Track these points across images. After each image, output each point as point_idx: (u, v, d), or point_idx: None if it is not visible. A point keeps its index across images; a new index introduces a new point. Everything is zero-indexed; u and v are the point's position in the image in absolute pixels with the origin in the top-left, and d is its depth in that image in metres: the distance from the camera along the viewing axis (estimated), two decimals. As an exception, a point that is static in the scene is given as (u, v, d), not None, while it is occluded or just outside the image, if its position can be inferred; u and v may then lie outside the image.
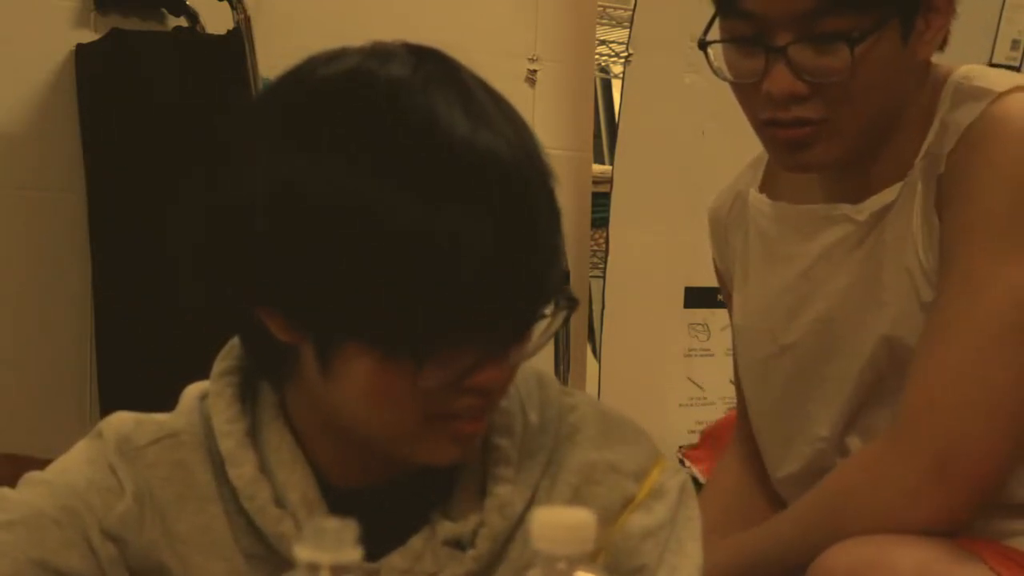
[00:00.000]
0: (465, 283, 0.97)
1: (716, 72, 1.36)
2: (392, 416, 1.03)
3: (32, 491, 1.09)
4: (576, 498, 1.10)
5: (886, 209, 1.37)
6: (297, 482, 1.07)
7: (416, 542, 1.07)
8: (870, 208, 1.38)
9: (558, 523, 0.74)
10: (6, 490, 1.10)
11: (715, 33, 1.37)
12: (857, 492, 1.29)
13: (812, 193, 1.44)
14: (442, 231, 0.96)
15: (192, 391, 1.14)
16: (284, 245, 0.99)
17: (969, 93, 1.35)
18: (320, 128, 1.00)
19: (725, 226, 1.59)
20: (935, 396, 1.27)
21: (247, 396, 1.11)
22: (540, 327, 1.05)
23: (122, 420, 1.13)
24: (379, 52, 1.03)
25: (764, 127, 1.37)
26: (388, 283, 0.97)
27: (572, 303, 1.05)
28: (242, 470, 1.07)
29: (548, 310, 1.04)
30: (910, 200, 1.36)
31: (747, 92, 1.35)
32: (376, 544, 1.06)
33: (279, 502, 1.07)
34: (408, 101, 0.99)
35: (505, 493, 1.07)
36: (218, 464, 1.09)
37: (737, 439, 1.65)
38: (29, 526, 1.07)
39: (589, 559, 0.74)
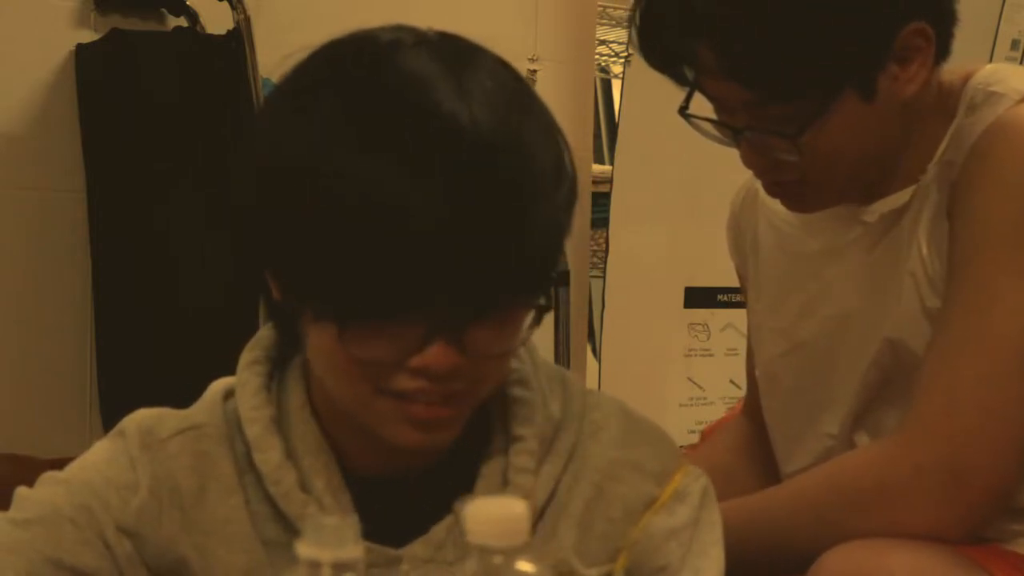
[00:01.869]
0: (395, 252, 0.95)
1: (701, 132, 1.38)
2: (344, 388, 1.04)
3: (50, 490, 1.10)
4: (598, 496, 1.11)
5: (898, 212, 1.36)
6: (322, 469, 1.08)
7: (438, 531, 1.07)
8: (880, 210, 1.37)
9: (490, 516, 0.73)
10: (24, 489, 1.11)
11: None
12: (867, 495, 1.28)
13: None
14: (377, 194, 0.94)
15: (217, 386, 1.15)
16: (259, 210, 1.01)
17: (985, 99, 1.34)
18: (302, 89, 1.01)
19: (738, 222, 1.59)
20: (952, 408, 1.26)
21: (273, 386, 1.12)
22: (513, 324, 1.03)
23: (144, 415, 1.14)
24: (402, 26, 1.04)
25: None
26: (321, 246, 0.96)
27: (542, 307, 1.03)
28: (268, 455, 1.08)
29: (528, 304, 1.03)
30: (922, 205, 1.35)
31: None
32: (399, 532, 1.06)
33: (304, 488, 1.07)
34: (390, 63, 0.99)
35: (526, 483, 1.07)
36: (240, 456, 1.10)
37: (740, 418, 1.65)
38: (45, 525, 1.07)
39: (524, 549, 0.73)
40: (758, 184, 1.54)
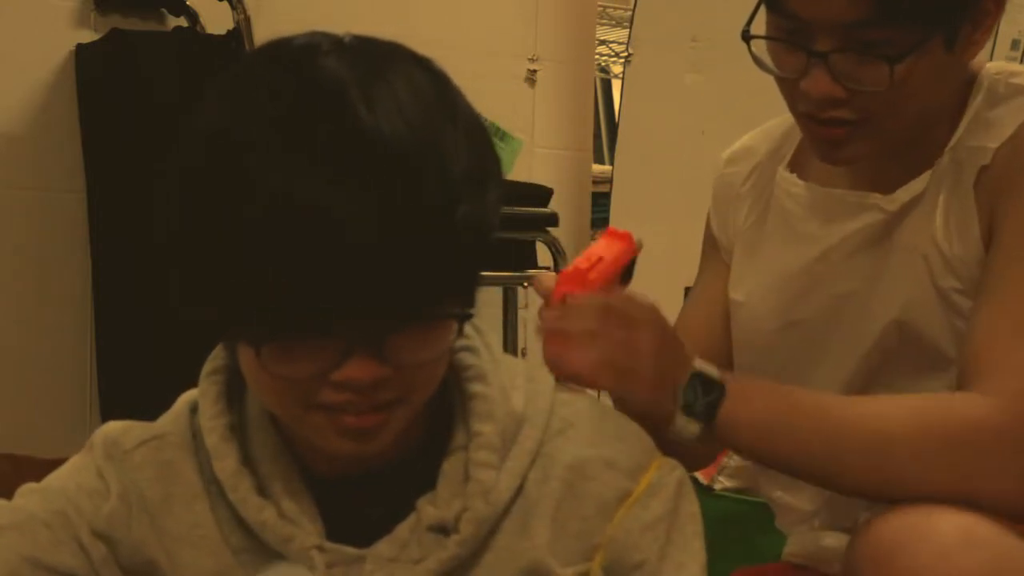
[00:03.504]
0: (299, 261, 0.94)
1: (756, 62, 1.34)
2: (274, 402, 1.04)
3: (24, 499, 1.12)
4: (570, 494, 1.10)
5: (915, 199, 1.38)
6: (280, 473, 1.08)
7: (402, 530, 1.07)
8: (901, 199, 1.38)
9: None
10: (1, 501, 1.11)
11: (758, 24, 1.35)
12: (962, 456, 1.28)
13: (839, 177, 1.44)
14: (280, 200, 0.94)
15: (185, 397, 1.16)
16: (172, 221, 1.01)
17: (1010, 89, 1.36)
18: (221, 95, 1.02)
19: (737, 195, 1.57)
20: None
21: (233, 395, 1.12)
22: (437, 331, 1.02)
23: (111, 427, 1.16)
24: (321, 32, 1.04)
25: (803, 119, 1.36)
26: (226, 259, 0.96)
27: (461, 316, 1.02)
28: (224, 463, 1.08)
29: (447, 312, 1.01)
30: (936, 190, 1.36)
31: (787, 84, 1.34)
32: (363, 532, 1.06)
33: (264, 494, 1.08)
34: (301, 69, 0.99)
35: (488, 478, 1.07)
36: (205, 463, 1.10)
37: None
38: (20, 529, 1.08)
39: None
40: (768, 161, 1.53)
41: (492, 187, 1.02)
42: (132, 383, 2.47)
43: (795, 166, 1.50)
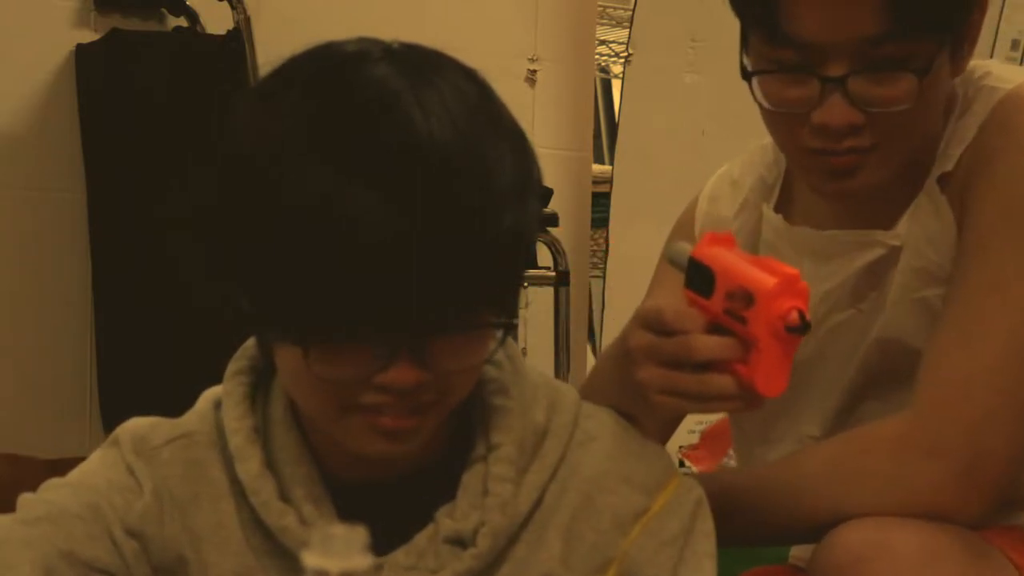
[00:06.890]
0: (348, 264, 0.96)
1: (757, 101, 1.29)
2: (311, 404, 1.06)
3: (55, 492, 1.11)
4: (587, 506, 1.10)
5: (913, 227, 1.36)
6: (302, 478, 1.09)
7: (420, 540, 1.08)
8: (903, 232, 1.35)
9: None
10: (28, 495, 1.11)
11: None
12: (883, 474, 1.27)
13: (827, 218, 1.40)
14: (332, 203, 0.96)
15: (208, 395, 1.16)
16: (221, 218, 1.03)
17: (978, 92, 1.33)
18: (269, 97, 1.02)
19: (713, 224, 1.55)
20: (969, 390, 1.25)
21: (258, 396, 1.13)
22: (477, 339, 1.03)
23: (137, 424, 1.15)
24: (370, 38, 1.05)
25: (809, 155, 1.30)
26: (278, 260, 0.98)
27: (506, 326, 1.04)
28: (248, 465, 1.09)
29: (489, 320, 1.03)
30: (925, 211, 1.35)
31: (791, 121, 1.28)
32: (381, 540, 1.07)
33: (285, 497, 1.08)
34: (353, 75, 1.00)
35: (505, 492, 1.07)
36: (230, 463, 1.11)
37: None
38: (54, 522, 1.08)
39: None
40: (755, 199, 1.51)
41: (533, 196, 1.04)
42: (132, 383, 2.47)
43: (782, 207, 1.47)
